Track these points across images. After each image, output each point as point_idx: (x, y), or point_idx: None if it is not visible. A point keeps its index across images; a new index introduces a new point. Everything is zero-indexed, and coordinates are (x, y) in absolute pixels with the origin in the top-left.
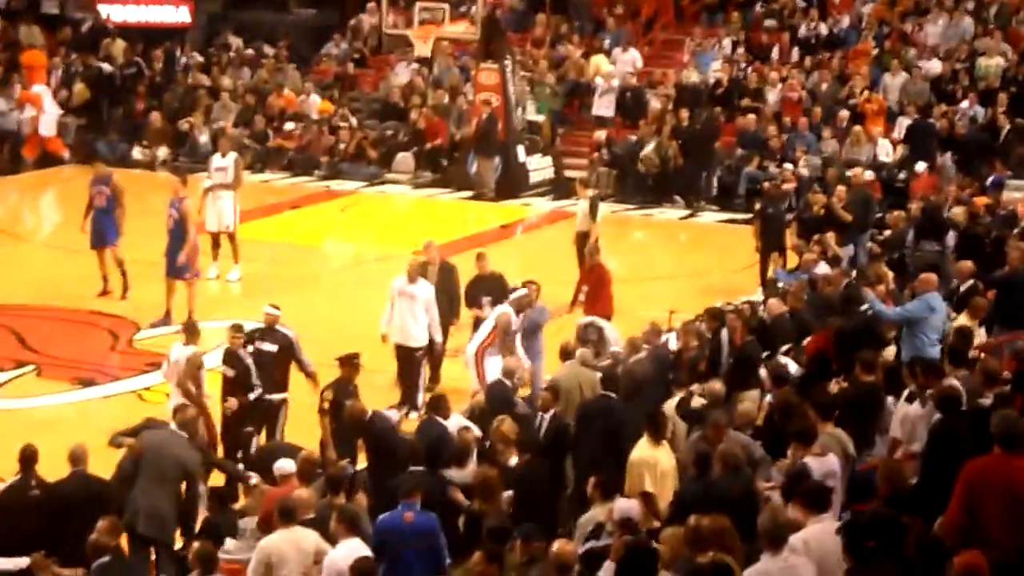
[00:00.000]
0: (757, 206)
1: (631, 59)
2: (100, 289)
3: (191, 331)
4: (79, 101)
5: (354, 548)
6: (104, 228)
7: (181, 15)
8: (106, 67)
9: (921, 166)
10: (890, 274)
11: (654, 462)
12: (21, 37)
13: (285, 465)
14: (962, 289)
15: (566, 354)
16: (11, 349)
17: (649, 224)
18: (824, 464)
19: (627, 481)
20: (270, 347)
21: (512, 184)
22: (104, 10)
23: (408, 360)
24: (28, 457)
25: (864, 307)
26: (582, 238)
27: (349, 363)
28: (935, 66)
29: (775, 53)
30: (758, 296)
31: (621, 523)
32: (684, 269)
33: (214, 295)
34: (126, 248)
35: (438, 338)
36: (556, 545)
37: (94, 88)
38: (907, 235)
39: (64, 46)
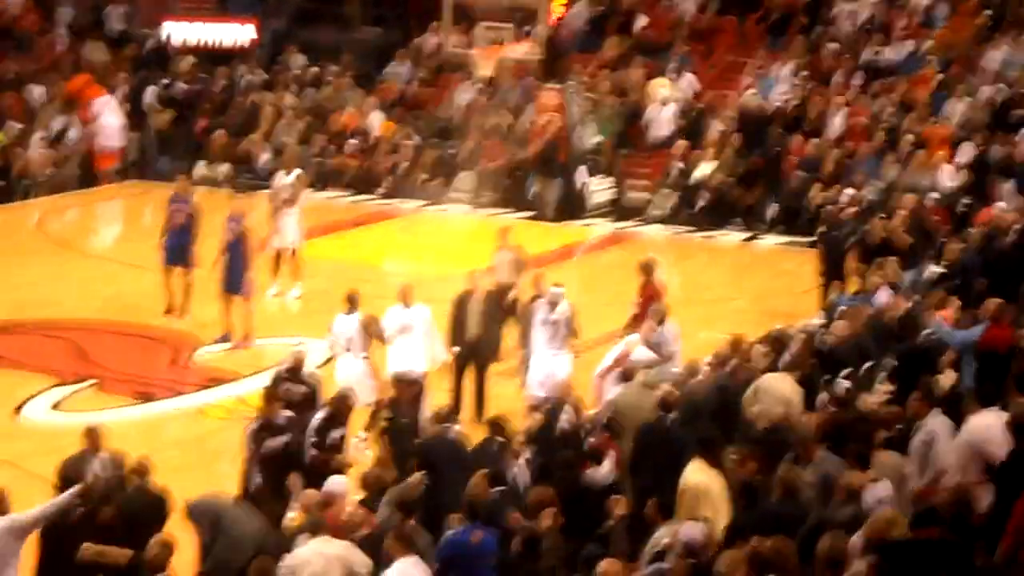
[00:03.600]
0: (820, 230)
1: (689, 83)
2: (165, 307)
3: (352, 301)
4: (160, 125)
5: (409, 567)
6: (180, 247)
7: (246, 33)
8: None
9: (1000, 205)
10: (955, 300)
11: (706, 488)
12: (86, 54)
13: (337, 483)
14: None
15: (626, 376)
16: (73, 363)
17: (710, 248)
18: (876, 492)
19: (679, 506)
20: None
21: (573, 206)
22: (168, 28)
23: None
24: (67, 477)
25: (927, 332)
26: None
27: (407, 383)
28: (998, 92)
29: (838, 77)
30: (818, 320)
31: (685, 547)
32: (745, 292)
33: (275, 312)
34: None
35: (441, 356)
36: (602, 566)
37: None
38: (970, 261)
39: (129, 63)
